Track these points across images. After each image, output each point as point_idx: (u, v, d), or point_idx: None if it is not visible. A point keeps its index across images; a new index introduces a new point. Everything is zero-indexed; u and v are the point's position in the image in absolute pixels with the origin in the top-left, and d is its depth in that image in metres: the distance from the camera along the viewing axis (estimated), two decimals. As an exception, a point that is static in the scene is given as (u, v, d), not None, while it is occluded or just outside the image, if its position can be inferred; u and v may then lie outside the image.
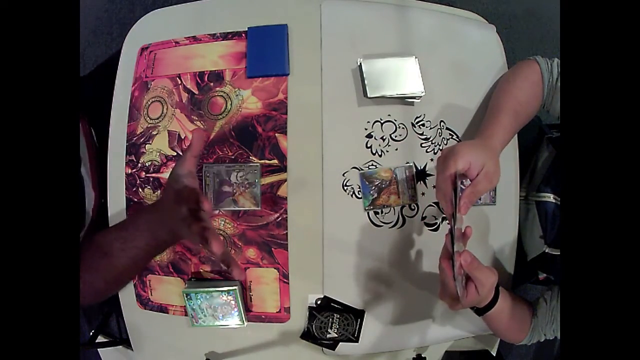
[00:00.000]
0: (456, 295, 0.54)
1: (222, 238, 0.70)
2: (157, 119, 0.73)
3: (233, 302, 0.68)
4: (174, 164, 0.71)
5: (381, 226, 0.69)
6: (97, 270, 0.54)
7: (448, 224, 0.55)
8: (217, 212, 0.70)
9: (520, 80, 0.65)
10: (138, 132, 0.74)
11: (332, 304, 0.69)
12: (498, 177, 0.56)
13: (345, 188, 0.69)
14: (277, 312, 0.70)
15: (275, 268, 0.69)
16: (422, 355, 0.72)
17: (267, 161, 0.70)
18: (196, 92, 0.73)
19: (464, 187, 0.55)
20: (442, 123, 0.71)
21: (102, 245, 0.54)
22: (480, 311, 0.60)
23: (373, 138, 0.70)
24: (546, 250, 0.71)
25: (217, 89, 0.72)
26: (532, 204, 0.75)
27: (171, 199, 0.50)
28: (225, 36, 0.74)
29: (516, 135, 0.70)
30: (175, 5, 0.79)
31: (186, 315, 0.70)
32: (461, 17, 0.79)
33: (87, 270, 0.53)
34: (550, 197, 0.72)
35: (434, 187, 0.69)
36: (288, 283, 0.69)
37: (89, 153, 0.85)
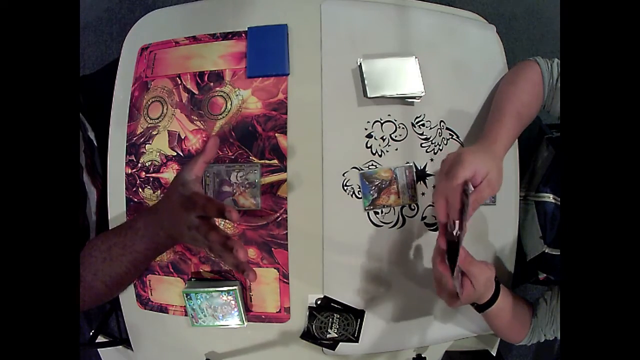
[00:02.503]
0: (454, 292, 0.54)
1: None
2: (157, 119, 0.73)
3: (233, 302, 0.68)
4: (174, 164, 0.72)
5: (381, 226, 0.69)
6: (97, 275, 0.54)
7: (439, 225, 0.56)
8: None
9: (523, 82, 0.65)
10: (138, 132, 0.74)
11: (332, 304, 0.69)
12: (500, 184, 0.56)
13: (345, 188, 0.69)
14: (277, 312, 0.70)
15: (275, 268, 0.69)
16: (422, 355, 0.72)
17: (267, 161, 0.70)
18: (196, 92, 0.73)
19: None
20: (442, 123, 0.71)
21: (101, 249, 0.54)
22: (481, 308, 0.60)
23: (373, 138, 0.70)
24: (546, 251, 0.71)
25: (217, 89, 0.72)
26: (531, 204, 0.75)
27: (177, 204, 0.49)
28: (225, 36, 0.74)
29: (516, 141, 0.70)
30: (175, 5, 0.79)
31: (186, 315, 0.70)
32: (461, 17, 0.79)
33: (88, 274, 0.53)
34: (549, 197, 0.72)
35: (434, 187, 0.69)
36: (288, 283, 0.69)
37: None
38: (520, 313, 0.64)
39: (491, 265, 0.56)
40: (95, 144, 0.89)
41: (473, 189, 0.54)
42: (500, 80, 0.72)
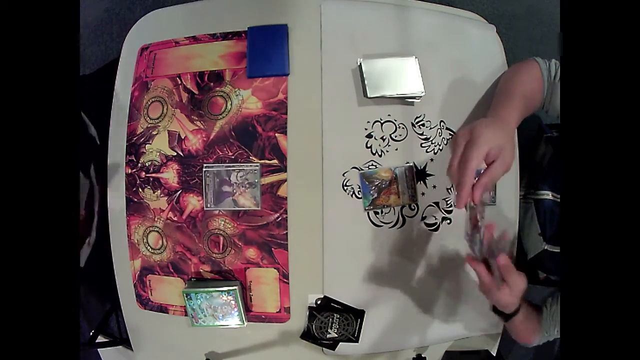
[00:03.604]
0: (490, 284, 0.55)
1: (221, 238, 0.70)
2: (157, 119, 0.73)
3: (233, 302, 0.68)
4: (174, 164, 0.72)
5: (381, 226, 0.69)
6: None
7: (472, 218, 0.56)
8: (217, 212, 0.70)
9: (526, 74, 0.66)
10: (138, 132, 0.74)
11: (332, 304, 0.69)
12: (513, 159, 0.54)
13: (345, 188, 0.69)
14: (277, 312, 0.70)
15: (275, 268, 0.69)
16: (422, 355, 0.72)
17: (267, 161, 0.70)
18: (196, 92, 0.73)
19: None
20: (442, 123, 0.71)
21: None
22: (507, 317, 0.61)
23: (373, 138, 0.70)
24: (545, 248, 0.71)
25: (217, 89, 0.72)
26: (531, 203, 0.75)
27: None
28: (225, 36, 0.74)
29: (516, 134, 0.70)
30: (175, 5, 0.79)
31: (186, 315, 0.70)
32: (461, 17, 0.79)
33: None
34: (548, 195, 0.72)
35: (434, 187, 0.69)
36: (288, 283, 0.69)
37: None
38: (534, 318, 0.65)
39: (524, 277, 0.56)
40: (98, 142, 0.89)
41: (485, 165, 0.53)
42: (501, 75, 0.71)
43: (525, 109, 0.62)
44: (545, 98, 0.66)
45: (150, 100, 0.74)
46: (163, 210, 0.72)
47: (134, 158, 0.74)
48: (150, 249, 0.73)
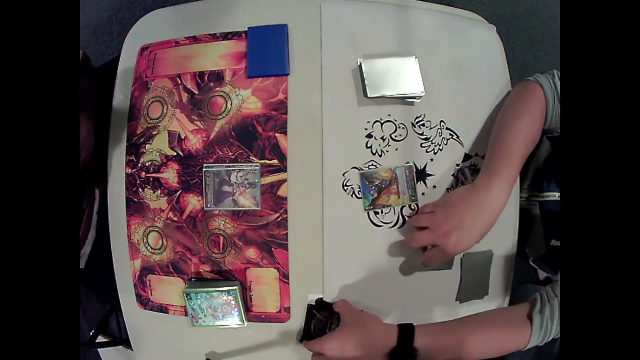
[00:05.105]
0: None
1: (221, 238, 0.70)
2: (157, 119, 0.73)
3: (233, 302, 0.68)
4: (174, 164, 0.72)
5: (381, 226, 0.69)
6: None
7: None
8: (217, 212, 0.70)
9: (532, 117, 0.64)
10: (138, 132, 0.74)
11: (328, 305, 0.68)
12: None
13: (345, 188, 0.69)
14: (277, 312, 0.70)
15: (275, 268, 0.69)
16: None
17: (267, 161, 0.70)
18: (196, 92, 0.73)
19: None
20: (442, 123, 0.71)
21: None
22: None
23: (373, 138, 0.70)
24: (552, 244, 0.70)
25: (217, 89, 0.72)
26: (535, 205, 0.75)
27: None
28: (225, 36, 0.74)
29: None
30: (175, 5, 0.79)
31: (186, 315, 0.70)
32: (461, 17, 0.79)
33: None
34: (555, 196, 0.72)
35: (434, 187, 0.70)
36: (288, 283, 0.69)
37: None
38: (495, 328, 0.60)
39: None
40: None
41: None
42: (505, 106, 0.69)
43: (526, 156, 0.64)
44: (550, 122, 0.65)
45: (150, 100, 0.74)
46: (163, 210, 0.72)
47: (134, 158, 0.74)
48: (150, 249, 0.73)
